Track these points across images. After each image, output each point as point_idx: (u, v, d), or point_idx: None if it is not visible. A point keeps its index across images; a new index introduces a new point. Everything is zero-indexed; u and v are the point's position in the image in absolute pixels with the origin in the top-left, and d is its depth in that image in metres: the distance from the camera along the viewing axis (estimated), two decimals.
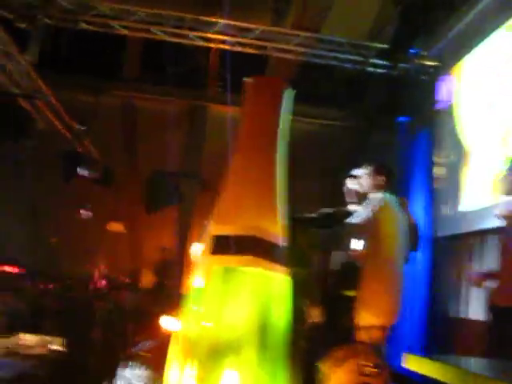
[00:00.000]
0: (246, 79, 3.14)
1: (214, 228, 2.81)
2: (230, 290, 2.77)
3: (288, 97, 3.11)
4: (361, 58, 7.30)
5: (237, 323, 2.77)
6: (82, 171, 8.73)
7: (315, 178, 8.79)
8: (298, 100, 9.31)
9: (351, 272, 4.26)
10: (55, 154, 8.23)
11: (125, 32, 7.15)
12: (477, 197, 5.73)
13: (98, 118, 8.97)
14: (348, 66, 7.47)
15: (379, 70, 7.47)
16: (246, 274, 2.75)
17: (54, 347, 6.51)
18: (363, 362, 3.72)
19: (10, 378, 4.76)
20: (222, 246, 2.72)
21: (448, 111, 6.62)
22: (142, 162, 9.57)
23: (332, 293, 4.44)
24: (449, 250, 6.23)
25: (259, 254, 2.72)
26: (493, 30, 5.69)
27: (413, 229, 3.97)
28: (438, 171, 6.74)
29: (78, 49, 8.99)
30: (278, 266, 2.82)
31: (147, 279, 9.18)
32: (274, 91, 3.09)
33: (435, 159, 6.80)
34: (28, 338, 6.83)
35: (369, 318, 3.74)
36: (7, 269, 7.78)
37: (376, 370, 3.71)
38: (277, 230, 2.86)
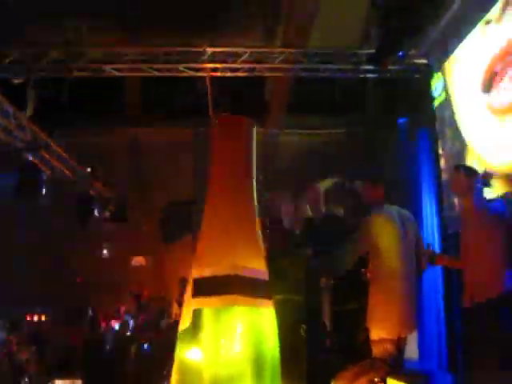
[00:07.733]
0: (212, 119, 3.21)
1: (194, 271, 2.86)
2: (220, 328, 2.82)
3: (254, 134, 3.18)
4: (351, 66, 7.30)
5: (230, 359, 2.82)
6: (96, 212, 8.94)
7: None
8: (297, 113, 9.17)
9: (349, 285, 4.29)
10: (68, 199, 8.45)
11: (118, 74, 7.29)
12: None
13: (107, 158, 9.16)
14: (339, 75, 7.48)
15: (371, 75, 7.46)
16: (233, 312, 2.80)
17: None
18: (374, 379, 3.74)
19: None
20: (203, 288, 2.77)
21: (444, 106, 6.58)
22: (154, 194, 9.71)
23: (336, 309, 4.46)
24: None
25: (242, 291, 2.77)
26: (474, 24, 5.68)
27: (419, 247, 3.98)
28: (443, 165, 6.68)
29: (78, 94, 9.18)
30: (261, 300, 2.86)
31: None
32: (242, 130, 3.15)
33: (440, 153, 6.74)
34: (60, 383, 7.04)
35: (378, 332, 3.76)
36: (35, 318, 7.99)
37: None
38: (257, 264, 2.90)
